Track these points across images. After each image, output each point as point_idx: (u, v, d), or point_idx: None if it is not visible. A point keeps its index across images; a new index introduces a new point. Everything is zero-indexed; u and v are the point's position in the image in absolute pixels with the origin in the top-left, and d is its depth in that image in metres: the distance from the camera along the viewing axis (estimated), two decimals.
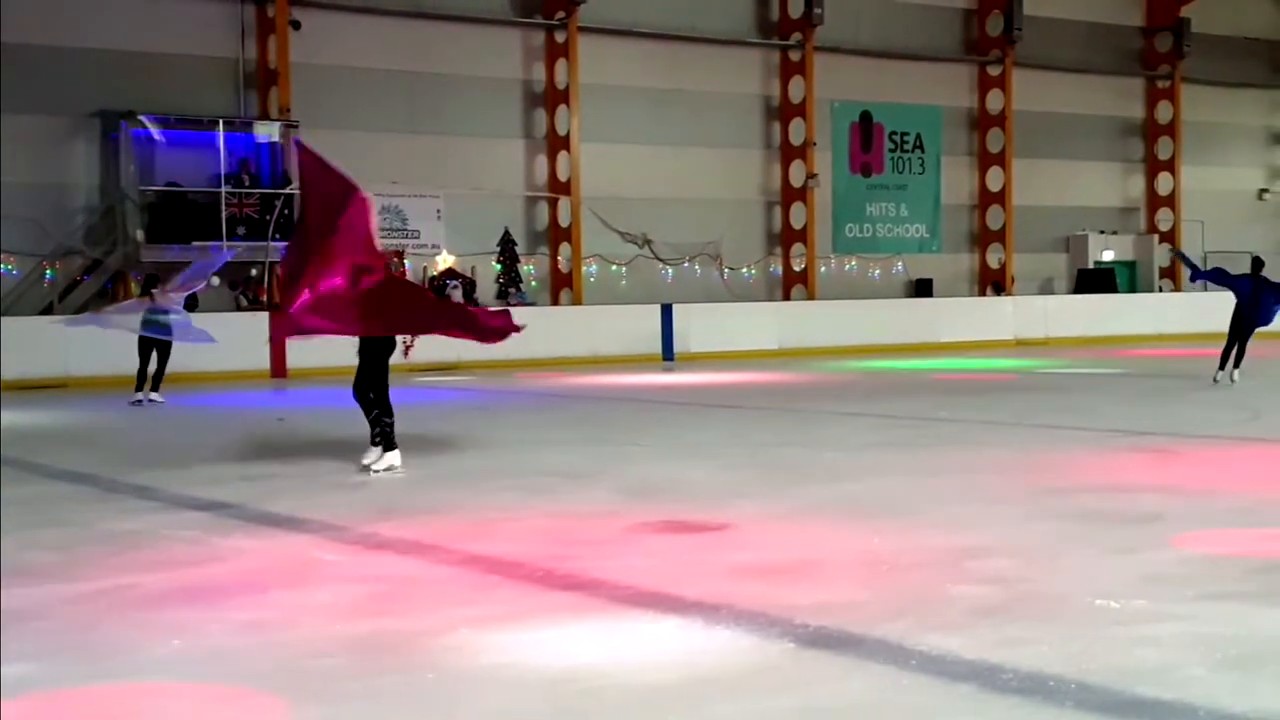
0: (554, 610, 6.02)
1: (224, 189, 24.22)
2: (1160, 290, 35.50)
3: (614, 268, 28.86)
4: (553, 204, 28.45)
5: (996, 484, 9.44)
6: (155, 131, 23.92)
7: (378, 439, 10.60)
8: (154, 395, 17.94)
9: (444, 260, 26.81)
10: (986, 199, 34.00)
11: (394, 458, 10.53)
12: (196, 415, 16.86)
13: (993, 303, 32.24)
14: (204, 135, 24.41)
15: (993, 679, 4.80)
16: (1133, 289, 35.15)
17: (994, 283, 33.73)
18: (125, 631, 5.72)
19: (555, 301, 28.16)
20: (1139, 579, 6.38)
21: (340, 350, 22.93)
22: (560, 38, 28.10)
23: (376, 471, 10.36)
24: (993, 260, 33.97)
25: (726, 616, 5.72)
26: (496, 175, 27.83)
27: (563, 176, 28.20)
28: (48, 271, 23.47)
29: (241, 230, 24.29)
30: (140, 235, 23.55)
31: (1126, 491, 8.97)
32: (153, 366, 17.89)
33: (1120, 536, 7.47)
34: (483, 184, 27.46)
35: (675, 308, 26.79)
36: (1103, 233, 35.60)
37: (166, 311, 17.09)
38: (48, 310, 23.01)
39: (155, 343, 17.53)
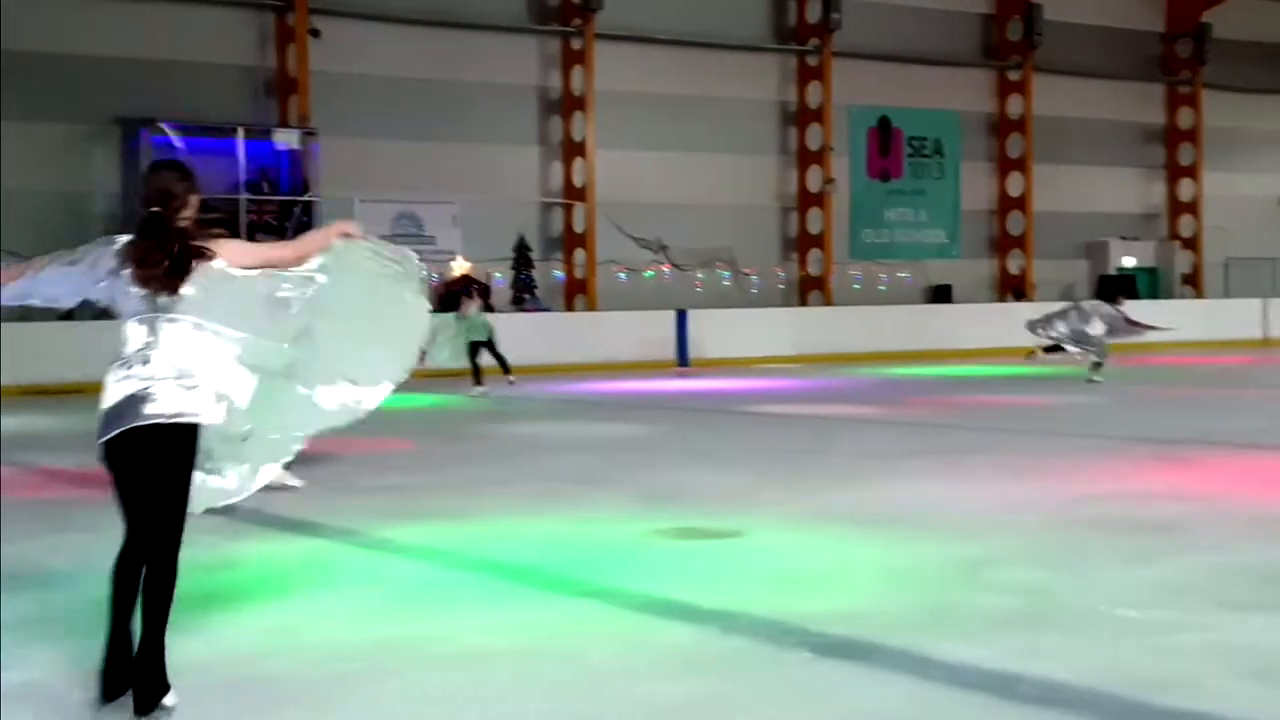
0: (568, 617, 6.00)
1: (244, 196, 24.29)
2: (1181, 297, 35.33)
3: (629, 273, 28.83)
4: (568, 210, 28.46)
5: (1016, 492, 9.38)
6: (175, 139, 23.98)
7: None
8: (510, 379, 19.19)
9: (459, 266, 26.83)
10: (1006, 204, 33.90)
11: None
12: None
13: (1013, 309, 32.03)
14: (224, 143, 24.46)
15: (1012, 689, 4.76)
16: (1154, 296, 34.98)
17: (1014, 289, 33.61)
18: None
19: (570, 307, 28.15)
20: (1160, 589, 6.34)
21: None
22: (577, 44, 28.12)
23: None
24: (1013, 266, 33.85)
25: (743, 625, 5.69)
26: (512, 182, 27.84)
27: (578, 183, 28.20)
28: None
29: (261, 237, 24.34)
30: None
31: (1148, 500, 8.91)
32: (487, 358, 19.15)
33: (1141, 546, 7.41)
34: (498, 190, 27.48)
35: (690, 313, 26.74)
36: (1124, 239, 35.47)
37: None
38: (68, 316, 23.05)
39: (477, 344, 19.02)
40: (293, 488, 9.73)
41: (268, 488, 9.52)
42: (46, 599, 6.45)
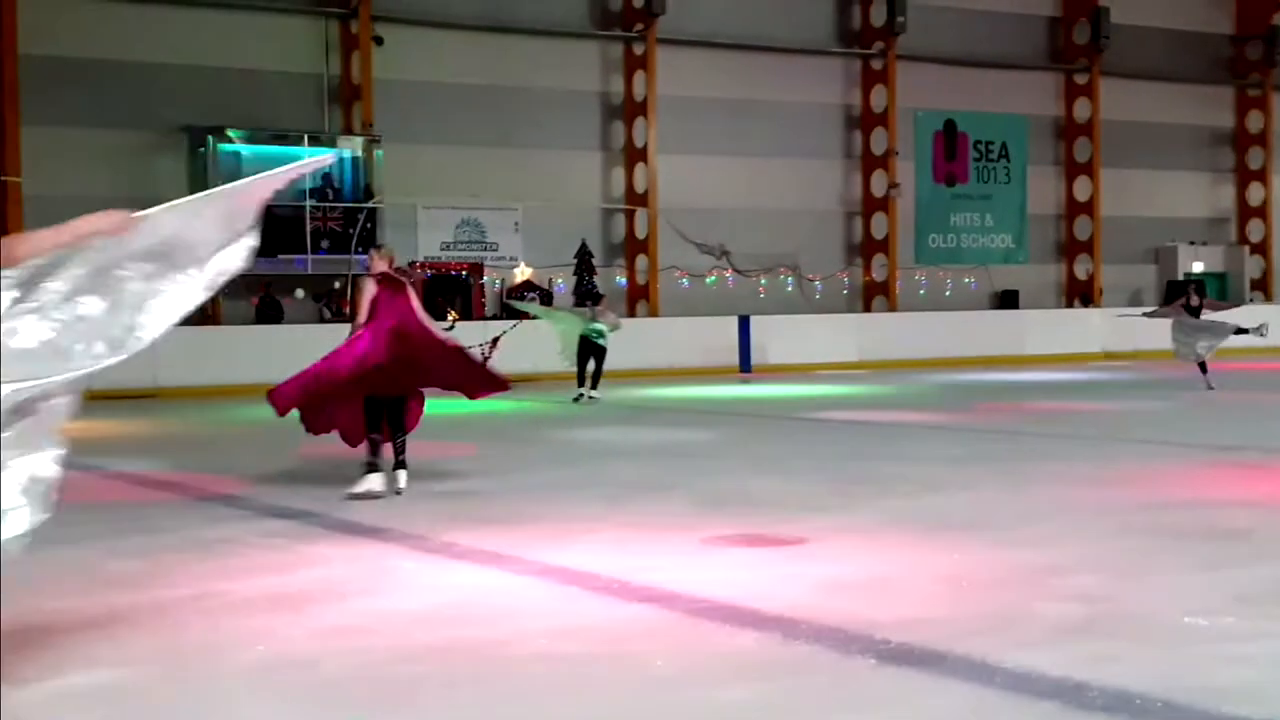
0: (630, 622, 6.00)
1: (308, 203, 24.53)
2: (1251, 302, 34.83)
3: (691, 279, 28.83)
4: (630, 216, 28.49)
5: (1082, 499, 9.29)
6: (241, 146, 24.27)
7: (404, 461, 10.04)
8: (594, 393, 19.45)
9: (521, 273, 26.94)
10: (1074, 209, 33.59)
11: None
12: (281, 425, 17.04)
13: (1080, 315, 31.81)
14: (289, 150, 24.74)
15: (1078, 697, 4.71)
16: (1223, 301, 34.51)
17: (1082, 294, 33.29)
18: (211, 637, 5.78)
19: (631, 313, 28.17)
20: (1229, 596, 6.24)
21: None
22: (639, 50, 28.16)
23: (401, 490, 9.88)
24: (1080, 271, 33.54)
25: (805, 631, 5.67)
26: (574, 187, 27.93)
27: (640, 188, 28.24)
28: None
29: (325, 244, 24.58)
30: None
31: (1216, 507, 8.79)
32: (591, 366, 19.64)
33: (1209, 553, 7.32)
34: (560, 196, 27.58)
35: (753, 319, 26.69)
36: (1192, 244, 35.03)
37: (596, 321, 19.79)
38: None
39: (593, 347, 19.56)
40: (399, 490, 9.74)
41: (397, 492, 9.57)
42: (117, 600, 6.53)
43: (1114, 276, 33.66)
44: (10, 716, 4.66)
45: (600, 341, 19.49)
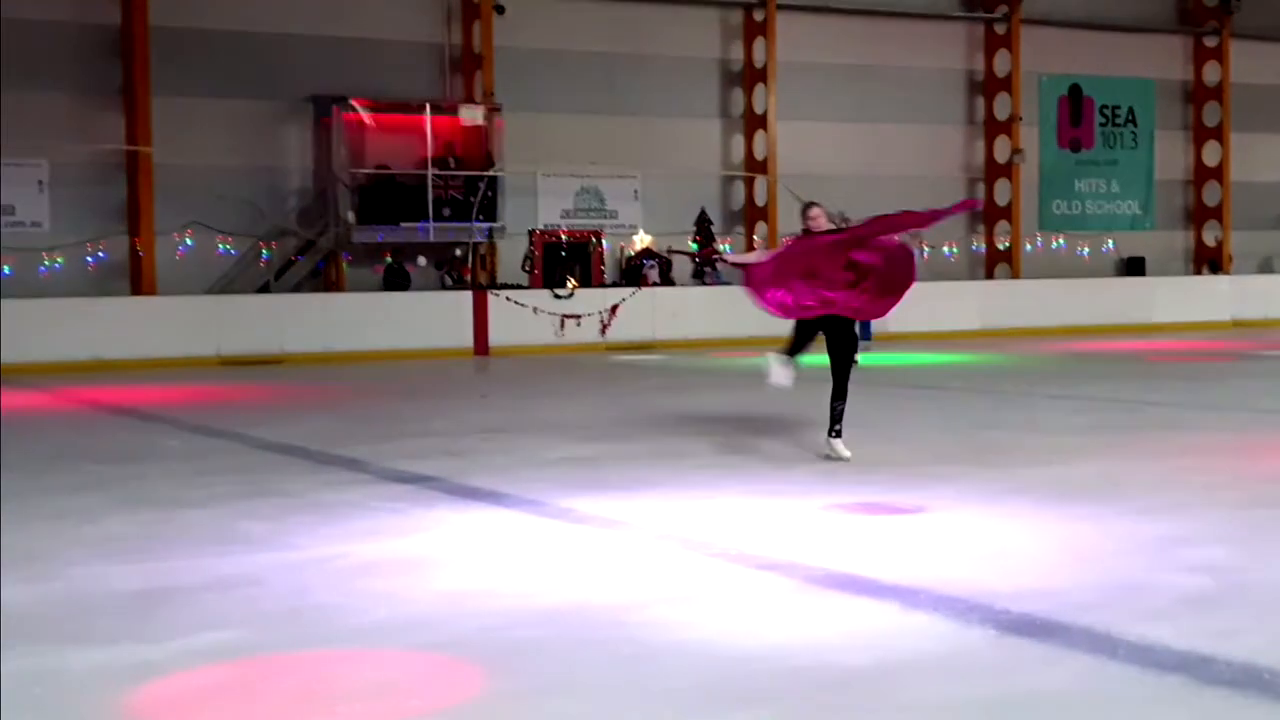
0: (748, 589, 6.01)
1: (430, 171, 24.78)
2: None
3: None
4: (749, 183, 28.37)
5: (1210, 470, 9.09)
6: (365, 115, 24.58)
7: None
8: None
9: (641, 240, 26.97)
10: (1202, 174, 32.74)
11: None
12: (403, 391, 17.31)
13: (1208, 282, 31.04)
14: (411, 119, 24.99)
15: (1204, 670, 4.63)
16: None
17: (1210, 261, 32.49)
18: (333, 599, 5.90)
19: None
20: None
21: (541, 330, 23.53)
22: (759, 16, 27.96)
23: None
24: (1209, 238, 32.71)
25: (924, 600, 5.64)
26: (693, 155, 27.85)
27: (759, 155, 28.09)
28: (263, 251, 24.34)
29: (447, 211, 24.82)
30: (351, 216, 24.26)
31: None
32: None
33: None
34: (680, 164, 27.53)
35: None
36: None
37: None
38: (264, 289, 23.87)
39: None
40: (844, 458, 9.59)
41: (826, 457, 9.54)
42: (245, 560, 6.70)
43: (1243, 243, 32.78)
44: (142, 674, 4.81)
45: None
